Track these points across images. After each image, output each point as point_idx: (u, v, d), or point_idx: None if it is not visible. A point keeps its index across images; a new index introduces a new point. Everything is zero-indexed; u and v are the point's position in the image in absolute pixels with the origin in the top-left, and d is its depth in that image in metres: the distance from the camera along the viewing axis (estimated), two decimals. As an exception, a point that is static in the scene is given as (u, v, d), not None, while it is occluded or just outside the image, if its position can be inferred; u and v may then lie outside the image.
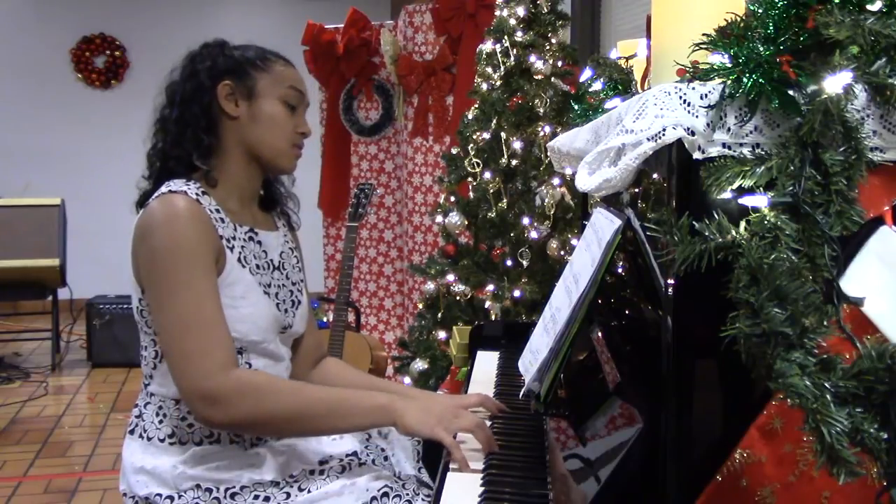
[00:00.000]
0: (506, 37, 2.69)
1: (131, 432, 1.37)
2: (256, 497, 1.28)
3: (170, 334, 1.24)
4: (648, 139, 0.87)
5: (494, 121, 2.68)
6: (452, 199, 2.80)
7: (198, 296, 1.24)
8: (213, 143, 1.36)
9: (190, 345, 1.22)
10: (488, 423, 1.38)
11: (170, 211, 1.27)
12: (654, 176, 1.00)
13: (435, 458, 1.25)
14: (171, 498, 1.29)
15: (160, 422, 1.34)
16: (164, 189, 1.32)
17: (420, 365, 2.77)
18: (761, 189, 0.81)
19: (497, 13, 2.76)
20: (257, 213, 1.46)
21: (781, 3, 0.86)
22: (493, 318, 2.57)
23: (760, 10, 0.88)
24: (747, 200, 0.81)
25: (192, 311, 1.23)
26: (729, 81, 0.84)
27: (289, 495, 1.29)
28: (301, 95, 1.42)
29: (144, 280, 1.30)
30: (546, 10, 2.71)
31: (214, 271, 1.29)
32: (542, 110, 2.61)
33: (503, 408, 1.41)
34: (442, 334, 2.74)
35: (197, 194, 1.31)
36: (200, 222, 1.28)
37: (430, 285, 2.80)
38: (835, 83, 0.80)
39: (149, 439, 1.33)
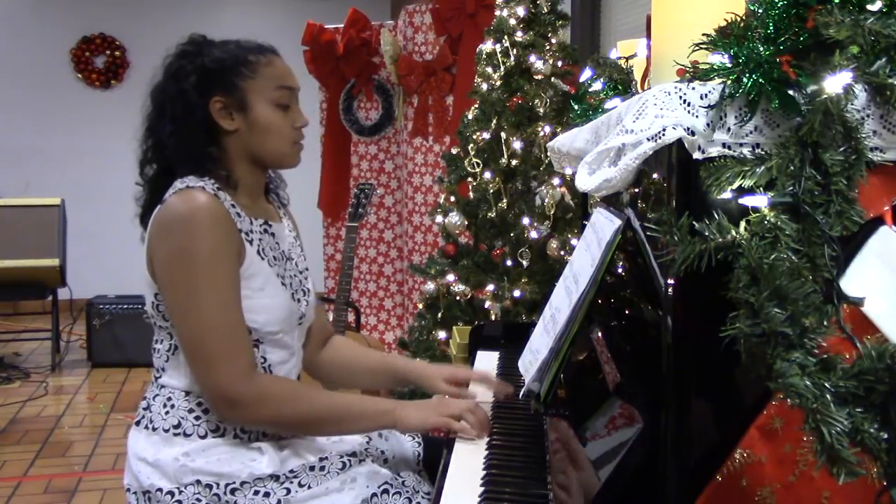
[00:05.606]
0: (506, 37, 2.69)
1: (137, 424, 1.38)
2: (256, 493, 1.29)
3: (193, 338, 1.26)
4: (648, 139, 0.87)
5: (494, 121, 2.68)
6: (452, 199, 2.80)
7: (222, 301, 1.26)
8: (219, 153, 1.36)
9: (214, 349, 1.25)
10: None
11: (190, 207, 1.26)
12: (654, 176, 1.00)
13: (435, 459, 1.25)
14: (171, 493, 1.29)
15: (167, 412, 1.34)
16: (179, 185, 1.31)
17: (420, 365, 2.77)
18: (761, 189, 0.81)
19: (497, 13, 2.76)
20: (266, 206, 1.47)
21: (781, 3, 0.86)
22: (493, 318, 2.57)
23: (760, 10, 0.87)
24: (747, 200, 0.81)
25: (217, 316, 1.25)
26: (729, 81, 0.84)
27: (289, 491, 1.30)
28: (291, 92, 1.40)
29: (162, 278, 1.29)
30: (546, 10, 2.71)
31: (238, 274, 1.29)
32: (542, 110, 2.61)
33: (506, 385, 1.44)
34: (442, 334, 2.74)
35: (213, 190, 1.31)
36: (222, 219, 1.28)
37: (430, 285, 2.80)
38: (835, 83, 0.80)
39: (154, 429, 1.34)
